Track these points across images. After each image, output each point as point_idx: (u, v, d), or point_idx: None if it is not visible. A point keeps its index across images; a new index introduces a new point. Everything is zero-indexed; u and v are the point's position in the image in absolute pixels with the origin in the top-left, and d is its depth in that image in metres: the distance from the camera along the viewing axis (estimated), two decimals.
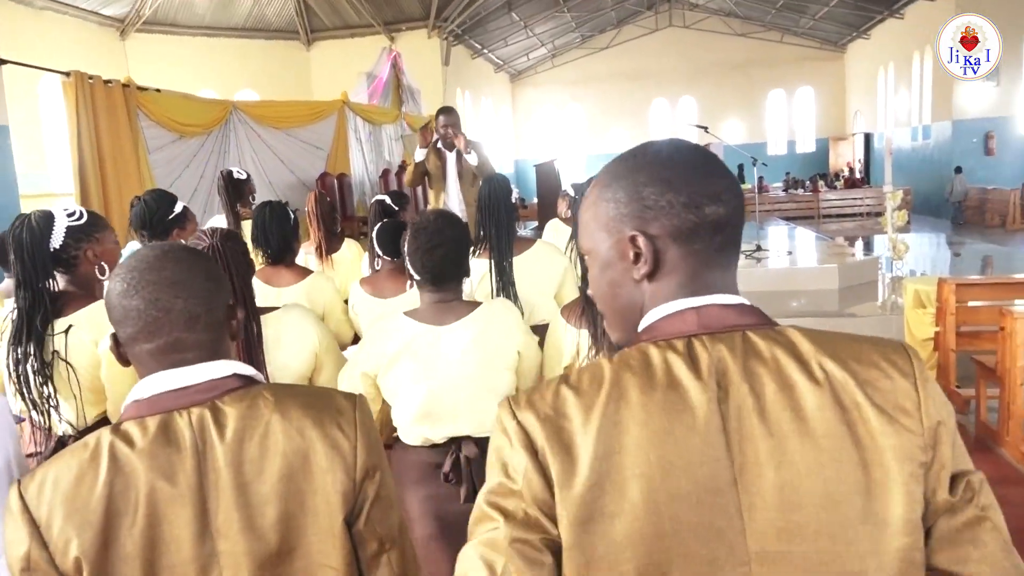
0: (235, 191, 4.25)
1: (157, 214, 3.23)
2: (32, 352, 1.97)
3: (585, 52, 24.49)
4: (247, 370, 1.10)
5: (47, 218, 2.01)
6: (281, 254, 3.02)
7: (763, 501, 0.80)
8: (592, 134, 25.14)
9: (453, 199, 5.15)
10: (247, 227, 4.21)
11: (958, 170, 16.41)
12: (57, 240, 2.00)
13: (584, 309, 1.94)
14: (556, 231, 4.54)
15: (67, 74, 6.55)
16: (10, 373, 1.99)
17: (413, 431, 1.99)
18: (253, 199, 4.33)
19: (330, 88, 11.65)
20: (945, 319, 5.05)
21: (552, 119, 25.60)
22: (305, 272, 3.06)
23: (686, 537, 0.79)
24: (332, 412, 1.07)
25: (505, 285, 2.99)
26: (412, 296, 3.09)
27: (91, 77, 6.75)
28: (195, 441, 1.00)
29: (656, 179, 0.86)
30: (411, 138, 12.34)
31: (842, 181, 20.51)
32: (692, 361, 0.83)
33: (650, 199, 0.86)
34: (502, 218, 3.12)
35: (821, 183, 19.66)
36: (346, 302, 3.50)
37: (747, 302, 0.89)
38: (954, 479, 0.85)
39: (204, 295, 1.09)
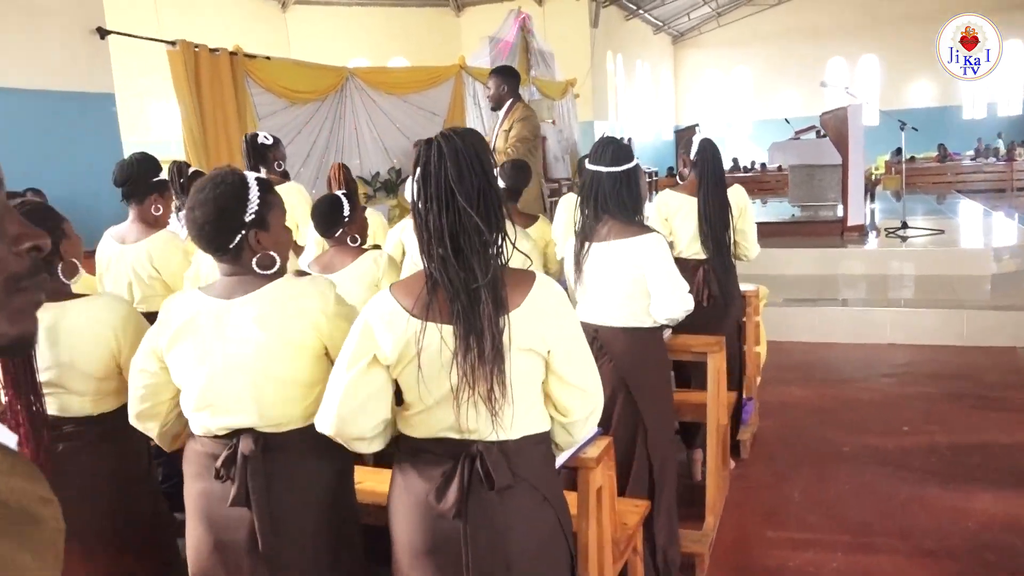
0: (257, 156, 4.14)
1: (138, 175, 3.16)
2: None
3: (754, 9, 22.76)
4: None
5: None
6: None
7: None
8: (760, 99, 23.47)
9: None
10: None
11: None
12: None
13: (431, 289, 1.52)
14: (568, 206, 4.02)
15: (173, 43, 6.81)
16: None
17: (195, 419, 1.75)
18: (279, 166, 4.21)
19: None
20: None
21: (717, 83, 24.19)
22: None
23: None
24: None
25: None
26: (357, 268, 2.84)
27: (196, 46, 6.98)
28: None
29: None
30: (538, 104, 12.00)
31: None
32: None
33: None
34: None
35: (1020, 151, 17.19)
36: None
37: None
38: None
39: None
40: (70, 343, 1.91)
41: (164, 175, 3.30)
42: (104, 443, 1.95)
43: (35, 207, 1.92)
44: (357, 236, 3.00)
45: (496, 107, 5.05)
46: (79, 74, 6.08)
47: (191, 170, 3.93)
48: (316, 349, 1.71)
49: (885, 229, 8.37)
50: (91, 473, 1.89)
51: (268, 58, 8.10)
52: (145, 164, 3.21)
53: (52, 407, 1.86)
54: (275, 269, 1.74)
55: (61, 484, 1.77)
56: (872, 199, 11.61)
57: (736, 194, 3.61)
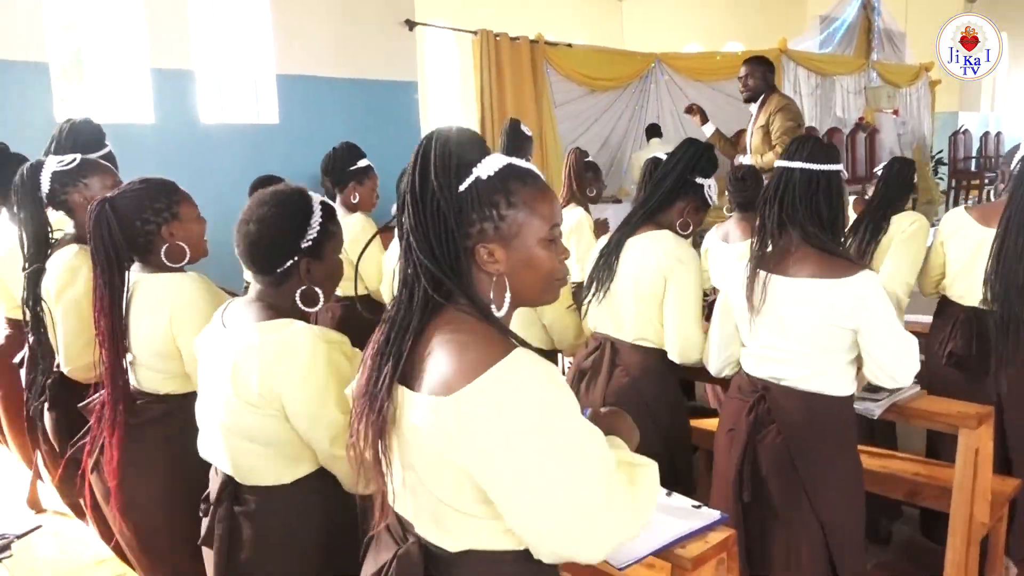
0: (514, 141, 4.00)
1: (336, 163, 3.24)
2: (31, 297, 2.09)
3: None
4: None
5: (36, 165, 2.08)
6: None
7: None
8: None
9: (746, 158, 4.59)
10: None
11: None
12: (45, 185, 2.07)
13: None
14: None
15: (475, 33, 7.04)
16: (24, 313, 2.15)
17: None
18: (529, 158, 4.05)
19: None
20: None
21: None
22: None
23: None
24: None
25: (601, 276, 2.31)
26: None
27: (498, 35, 7.15)
28: None
29: None
30: (877, 91, 10.51)
31: None
32: None
33: None
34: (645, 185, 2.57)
35: None
36: None
37: None
38: None
39: None
40: (137, 315, 1.86)
41: (364, 162, 3.33)
42: (160, 426, 1.87)
43: (155, 183, 1.87)
44: None
45: (751, 99, 4.60)
46: (387, 63, 6.53)
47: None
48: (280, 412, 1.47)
49: None
50: (145, 455, 1.83)
51: (569, 45, 8.06)
52: (344, 153, 3.28)
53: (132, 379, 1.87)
54: (317, 307, 1.55)
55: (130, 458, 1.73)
56: None
57: None
